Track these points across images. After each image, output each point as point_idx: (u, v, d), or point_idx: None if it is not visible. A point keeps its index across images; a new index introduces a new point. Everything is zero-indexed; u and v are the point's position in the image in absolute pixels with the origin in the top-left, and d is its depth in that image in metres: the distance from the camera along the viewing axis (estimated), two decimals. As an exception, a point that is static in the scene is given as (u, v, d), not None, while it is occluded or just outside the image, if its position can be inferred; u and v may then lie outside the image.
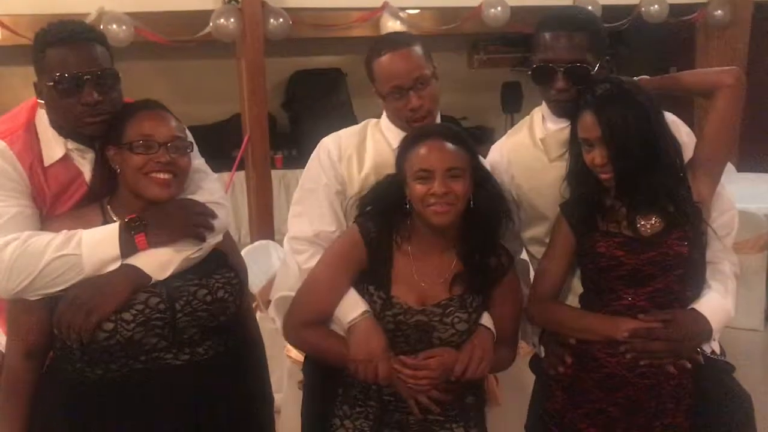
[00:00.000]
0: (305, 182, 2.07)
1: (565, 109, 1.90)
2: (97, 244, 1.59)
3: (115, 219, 1.66)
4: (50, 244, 1.58)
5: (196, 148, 1.78)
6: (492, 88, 7.56)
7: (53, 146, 1.72)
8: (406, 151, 1.78)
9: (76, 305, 1.55)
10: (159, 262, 1.62)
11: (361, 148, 2.03)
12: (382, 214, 1.82)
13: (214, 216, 1.71)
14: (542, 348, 1.95)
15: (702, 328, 1.75)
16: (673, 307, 1.76)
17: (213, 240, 1.72)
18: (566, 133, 1.91)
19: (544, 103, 2.02)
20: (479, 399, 1.92)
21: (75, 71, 1.63)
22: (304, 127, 7.09)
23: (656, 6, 5.56)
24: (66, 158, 1.73)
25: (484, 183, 1.80)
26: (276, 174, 6.02)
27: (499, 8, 5.23)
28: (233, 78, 5.60)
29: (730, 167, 4.96)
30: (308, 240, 2.01)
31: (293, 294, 2.68)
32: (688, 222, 1.76)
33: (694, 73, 1.96)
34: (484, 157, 2.06)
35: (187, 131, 1.76)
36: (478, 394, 1.91)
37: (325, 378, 1.88)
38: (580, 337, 1.80)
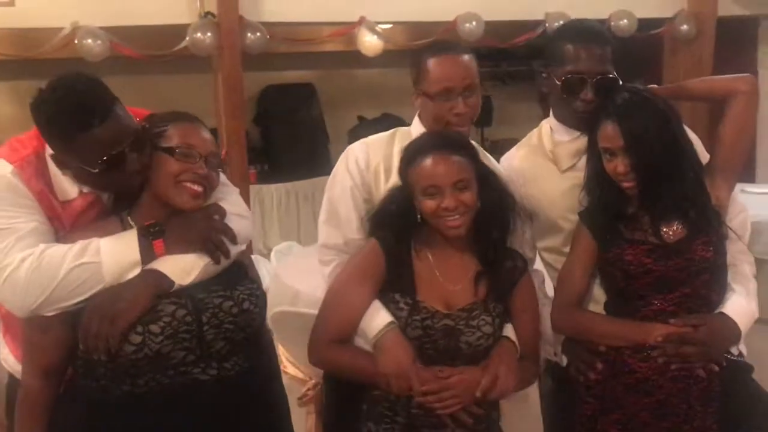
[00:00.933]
0: (333, 189, 2.07)
1: (584, 121, 1.94)
2: (116, 250, 1.57)
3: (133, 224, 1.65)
4: (67, 254, 1.55)
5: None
6: (462, 101, 7.63)
7: (67, 188, 1.68)
8: (410, 166, 1.79)
9: (100, 314, 1.52)
10: (181, 267, 1.61)
11: (389, 158, 2.03)
12: (399, 229, 1.82)
13: (233, 239, 1.69)
14: (563, 357, 1.97)
15: (731, 331, 1.81)
16: (701, 311, 1.80)
17: (236, 250, 1.71)
18: (577, 144, 1.96)
19: (552, 116, 2.06)
20: (498, 413, 1.93)
21: (116, 150, 1.57)
22: (276, 141, 7.06)
23: (625, 20, 5.68)
24: (80, 197, 1.70)
25: (487, 180, 1.82)
26: (251, 189, 5.98)
27: (474, 23, 5.28)
28: (208, 93, 5.55)
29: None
30: (338, 248, 2.02)
31: (293, 309, 2.68)
32: (710, 227, 1.80)
33: (706, 81, 2.02)
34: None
35: None
36: (498, 409, 1.92)
37: (348, 396, 1.86)
38: (610, 344, 1.84)
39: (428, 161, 1.75)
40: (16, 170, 1.63)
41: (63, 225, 1.68)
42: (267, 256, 4.94)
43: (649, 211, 1.84)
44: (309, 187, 6.31)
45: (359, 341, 1.82)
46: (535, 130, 2.15)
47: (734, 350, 1.85)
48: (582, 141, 1.98)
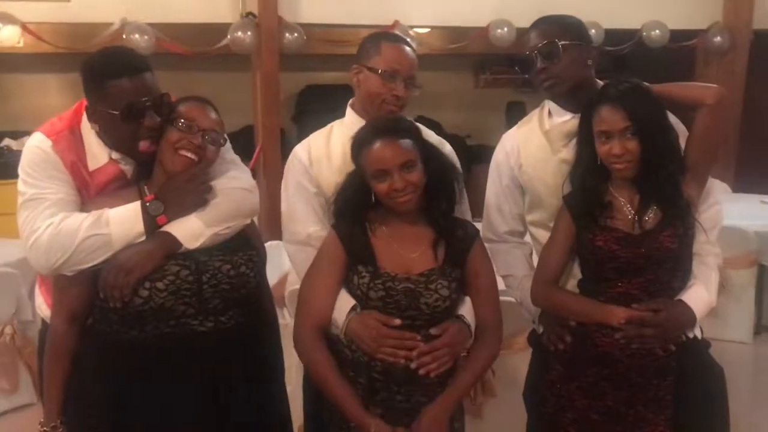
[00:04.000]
0: (287, 190, 2.24)
1: (557, 96, 2.10)
2: (123, 223, 1.78)
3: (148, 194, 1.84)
4: (82, 224, 1.76)
5: (230, 145, 1.99)
6: (496, 107, 7.73)
7: (97, 154, 1.90)
8: (360, 150, 1.92)
9: (118, 267, 1.75)
10: (191, 232, 1.81)
11: (328, 147, 2.20)
12: (353, 212, 1.97)
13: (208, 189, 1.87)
14: (541, 326, 2.13)
15: (687, 317, 1.94)
16: (662, 296, 1.94)
17: (241, 223, 1.91)
18: (570, 125, 2.09)
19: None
20: (462, 424, 2.06)
21: (138, 100, 1.79)
22: (313, 140, 7.25)
23: (657, 31, 5.74)
24: (110, 163, 1.90)
25: (431, 156, 1.95)
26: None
27: (505, 29, 5.43)
28: (246, 91, 5.78)
29: (725, 188, 5.13)
30: (302, 242, 2.19)
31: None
32: (680, 217, 1.93)
33: (681, 86, 2.08)
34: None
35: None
36: (462, 420, 2.05)
37: None
38: (578, 320, 1.99)
39: (375, 147, 1.87)
40: (53, 144, 1.86)
41: (89, 193, 1.90)
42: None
43: (631, 198, 1.96)
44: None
45: (335, 330, 1.95)
46: (537, 110, 2.28)
47: (689, 334, 1.97)
48: (573, 123, 2.09)
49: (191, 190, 1.83)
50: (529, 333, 2.27)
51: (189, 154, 1.82)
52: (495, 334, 1.99)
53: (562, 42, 2.03)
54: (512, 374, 2.72)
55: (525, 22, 5.79)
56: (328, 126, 2.28)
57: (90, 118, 1.88)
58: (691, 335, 1.97)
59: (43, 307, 2.08)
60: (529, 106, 7.82)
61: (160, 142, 1.83)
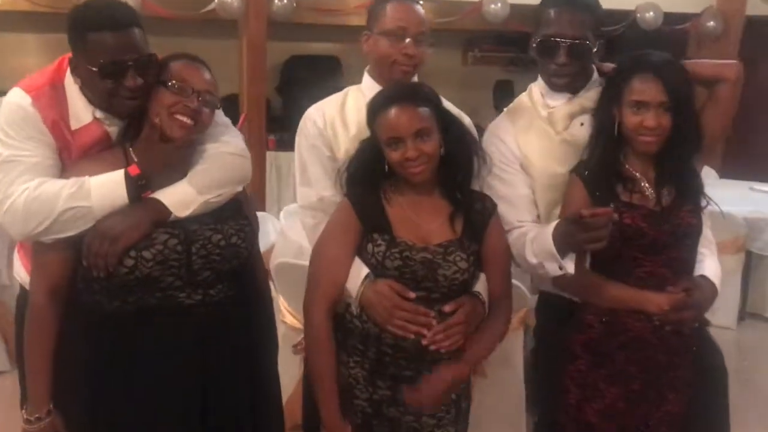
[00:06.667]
0: (300, 153, 2.16)
1: (563, 85, 2.03)
2: (105, 195, 1.67)
3: (136, 161, 1.73)
4: (61, 193, 1.65)
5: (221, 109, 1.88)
6: (485, 85, 7.64)
7: (81, 112, 1.78)
8: (375, 116, 1.85)
9: (103, 234, 1.64)
10: (182, 200, 1.71)
11: (343, 113, 2.12)
12: (367, 180, 1.90)
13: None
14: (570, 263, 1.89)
15: (713, 291, 1.94)
16: (683, 273, 1.92)
17: (233, 189, 1.81)
18: (570, 106, 2.04)
19: (540, 79, 2.12)
20: (468, 403, 2.02)
21: (119, 58, 1.68)
22: (297, 111, 7.08)
23: (651, 13, 5.68)
24: (93, 123, 1.79)
25: (450, 126, 1.88)
26: (268, 155, 6.08)
27: (499, 5, 5.33)
28: (231, 58, 5.63)
29: (712, 173, 5.12)
30: (313, 206, 2.11)
31: (295, 261, 2.78)
32: (695, 193, 1.91)
33: (701, 63, 2.06)
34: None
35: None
36: (469, 400, 2.01)
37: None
38: (614, 307, 1.92)
39: (390, 113, 1.80)
40: (33, 100, 1.73)
41: (71, 155, 1.78)
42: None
43: (646, 173, 1.91)
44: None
45: (349, 300, 1.88)
46: (524, 95, 2.20)
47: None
48: (574, 104, 2.05)
49: (179, 167, 1.73)
50: (536, 327, 2.19)
51: (184, 119, 1.71)
52: (507, 306, 1.95)
53: (594, 43, 1.97)
54: (502, 354, 2.68)
55: (519, -1, 5.68)
56: (343, 91, 2.19)
57: (73, 72, 1.76)
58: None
59: (21, 272, 1.97)
60: (518, 85, 7.82)
61: (147, 100, 1.72)
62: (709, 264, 1.98)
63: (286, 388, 2.26)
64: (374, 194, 1.88)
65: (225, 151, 1.83)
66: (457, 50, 8.10)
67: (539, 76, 2.15)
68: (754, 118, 6.27)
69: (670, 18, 5.82)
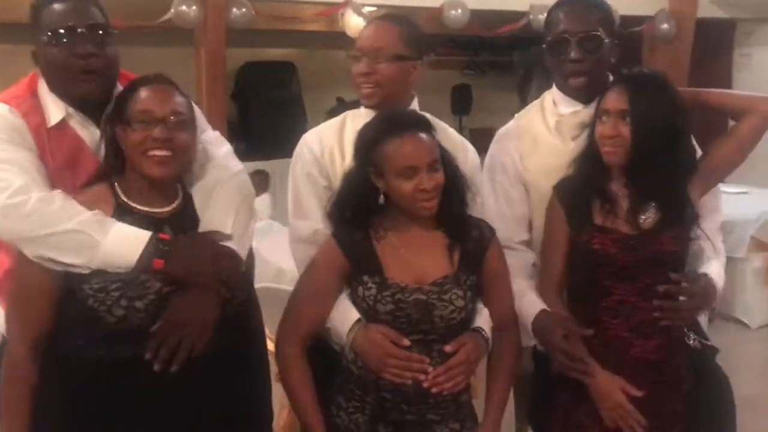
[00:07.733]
0: (295, 181, 2.06)
1: (579, 87, 1.96)
2: (120, 244, 1.55)
3: (125, 200, 1.64)
4: (78, 215, 1.56)
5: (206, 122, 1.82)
6: (441, 89, 7.65)
7: (53, 109, 1.76)
8: (377, 146, 1.74)
9: (179, 329, 1.55)
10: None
11: (342, 139, 2.02)
12: (357, 216, 1.80)
13: (239, 266, 1.68)
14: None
15: (714, 290, 1.86)
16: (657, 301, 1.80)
17: (251, 213, 1.80)
18: (581, 116, 1.97)
19: (554, 87, 2.07)
20: (469, 395, 1.94)
21: (69, 23, 1.69)
22: (253, 119, 7.03)
23: (607, 16, 5.74)
24: (66, 125, 1.75)
25: (445, 156, 1.80)
26: (227, 165, 5.97)
27: (459, 10, 5.31)
28: (189, 68, 5.48)
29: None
30: (307, 240, 1.98)
31: (277, 286, 2.69)
32: (683, 222, 1.83)
33: (725, 93, 2.03)
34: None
35: (195, 107, 1.74)
36: (468, 391, 1.93)
37: (323, 367, 1.85)
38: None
39: (405, 141, 1.71)
40: (13, 108, 1.72)
41: (46, 159, 1.71)
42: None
43: (630, 194, 1.84)
44: (285, 166, 6.21)
45: (336, 339, 1.81)
46: (536, 102, 2.14)
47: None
48: (584, 114, 1.97)
49: (211, 262, 1.63)
50: (532, 349, 2.13)
51: (158, 153, 1.58)
52: (516, 333, 1.89)
53: (606, 39, 1.92)
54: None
55: (478, 4, 5.70)
56: (341, 116, 2.08)
57: (36, 63, 1.78)
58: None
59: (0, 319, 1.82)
60: (475, 89, 7.80)
61: (100, 82, 1.72)
62: (714, 265, 1.90)
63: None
64: (363, 232, 1.79)
65: (230, 174, 1.77)
66: (412, 54, 8.09)
67: (553, 84, 2.08)
68: (708, 119, 6.42)
69: (624, 21, 5.88)
